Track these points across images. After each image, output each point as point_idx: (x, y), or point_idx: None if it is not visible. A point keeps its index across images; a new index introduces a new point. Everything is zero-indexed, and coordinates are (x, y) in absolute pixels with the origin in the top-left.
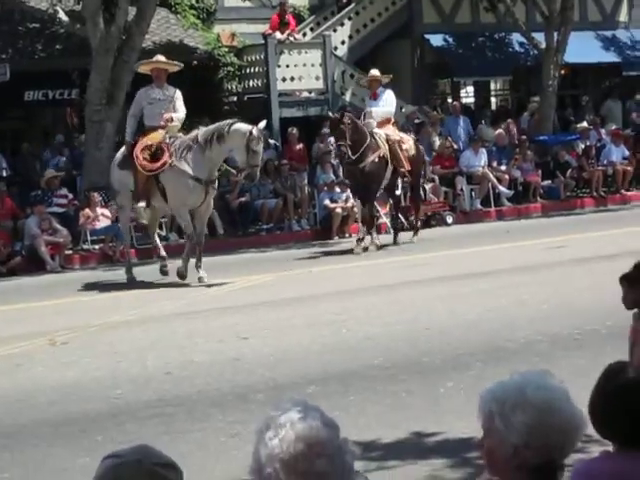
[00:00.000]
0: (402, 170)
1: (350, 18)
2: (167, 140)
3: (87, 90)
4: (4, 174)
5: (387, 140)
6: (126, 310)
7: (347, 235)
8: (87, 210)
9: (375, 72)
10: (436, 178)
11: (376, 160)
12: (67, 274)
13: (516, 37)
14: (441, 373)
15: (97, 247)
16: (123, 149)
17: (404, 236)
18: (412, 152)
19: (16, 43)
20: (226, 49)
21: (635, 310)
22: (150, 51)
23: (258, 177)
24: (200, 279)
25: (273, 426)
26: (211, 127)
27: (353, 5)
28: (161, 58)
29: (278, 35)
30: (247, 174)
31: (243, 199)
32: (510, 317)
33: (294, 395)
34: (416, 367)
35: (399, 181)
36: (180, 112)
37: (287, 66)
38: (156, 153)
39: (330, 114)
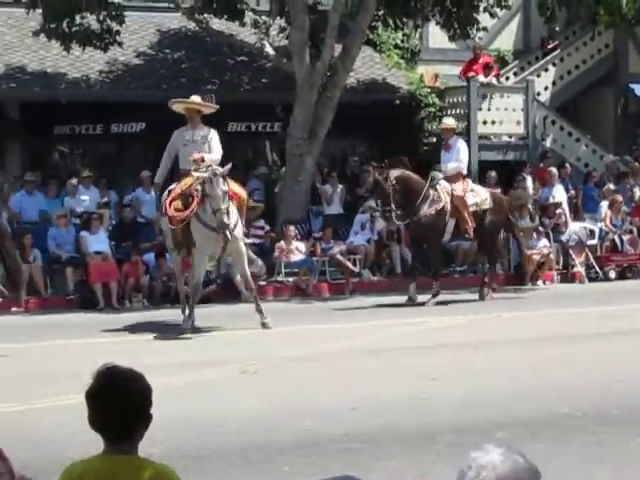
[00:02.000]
0: (466, 227)
1: (555, 64)
2: (197, 186)
3: (290, 124)
4: None
5: (451, 194)
6: (316, 344)
7: (541, 282)
8: (282, 243)
9: (449, 121)
10: (634, 230)
11: (433, 212)
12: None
13: None
14: (632, 427)
15: (291, 280)
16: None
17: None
18: (485, 206)
19: (223, 75)
20: (428, 90)
21: None
22: (353, 88)
23: (227, 224)
24: (264, 325)
25: (474, 467)
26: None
27: (558, 51)
28: (196, 99)
29: (481, 78)
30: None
31: None
32: None
33: (482, 439)
34: (606, 419)
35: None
36: (215, 153)
37: (489, 109)
38: (187, 201)
39: (372, 170)
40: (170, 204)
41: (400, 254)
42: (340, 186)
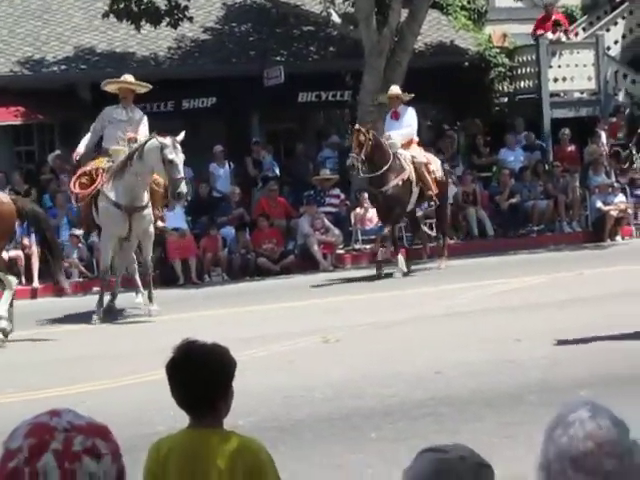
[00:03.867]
0: (429, 193)
1: (624, 17)
2: (104, 165)
3: (360, 92)
4: (277, 174)
5: (413, 162)
6: (396, 310)
7: (620, 237)
8: (358, 210)
9: (396, 89)
10: None
11: (400, 183)
12: (339, 273)
13: None
14: None
15: (368, 247)
16: None
17: None
18: (439, 174)
19: (290, 46)
20: (497, 50)
21: None
22: (421, 53)
23: (186, 192)
24: (150, 312)
25: (562, 424)
26: (133, 147)
27: (627, 4)
28: (129, 78)
29: (549, 35)
30: (172, 190)
31: (513, 200)
32: None
33: (568, 398)
34: None
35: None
36: (142, 138)
37: (559, 66)
38: (92, 179)
39: (356, 125)
40: (75, 182)
41: (476, 217)
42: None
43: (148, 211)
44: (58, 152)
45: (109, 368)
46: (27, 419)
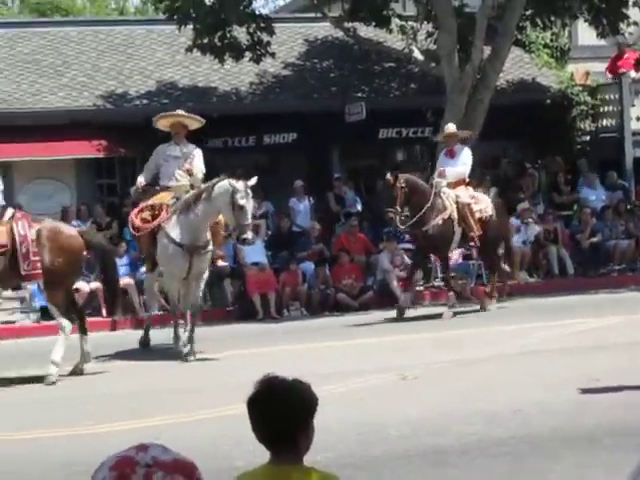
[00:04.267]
0: (471, 234)
1: None
2: (168, 201)
3: (440, 129)
4: (359, 209)
5: (456, 202)
6: (475, 348)
7: None
8: None
9: (452, 127)
10: None
11: (440, 222)
12: (418, 310)
13: None
14: None
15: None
16: None
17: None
18: (487, 213)
19: (372, 82)
20: (579, 88)
21: None
22: (503, 90)
23: (252, 238)
24: (186, 356)
25: None
26: (202, 187)
27: None
28: (181, 112)
29: (632, 74)
30: (238, 235)
31: (595, 239)
32: None
33: None
34: None
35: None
36: (197, 171)
37: None
38: (155, 214)
39: (387, 175)
40: (137, 215)
41: (557, 255)
42: (493, 189)
43: (209, 251)
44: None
45: (187, 402)
46: (117, 452)
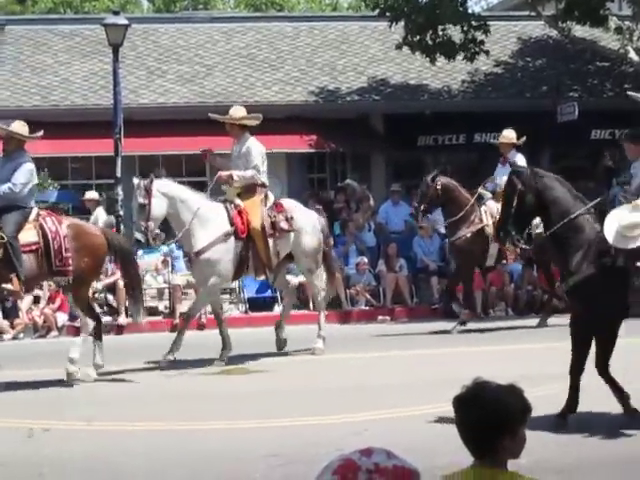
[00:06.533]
0: (507, 252)
1: None
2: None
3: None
4: None
5: (494, 217)
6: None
7: None
8: None
9: (508, 134)
10: None
11: (468, 235)
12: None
13: None
14: None
15: None
16: None
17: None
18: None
19: (585, 81)
20: None
21: None
22: None
23: (142, 239)
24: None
25: None
26: None
27: None
28: (238, 111)
29: None
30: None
31: None
32: None
33: None
34: None
35: None
36: (248, 170)
37: None
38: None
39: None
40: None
41: None
42: None
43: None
44: (349, 181)
45: (391, 398)
46: (343, 454)
